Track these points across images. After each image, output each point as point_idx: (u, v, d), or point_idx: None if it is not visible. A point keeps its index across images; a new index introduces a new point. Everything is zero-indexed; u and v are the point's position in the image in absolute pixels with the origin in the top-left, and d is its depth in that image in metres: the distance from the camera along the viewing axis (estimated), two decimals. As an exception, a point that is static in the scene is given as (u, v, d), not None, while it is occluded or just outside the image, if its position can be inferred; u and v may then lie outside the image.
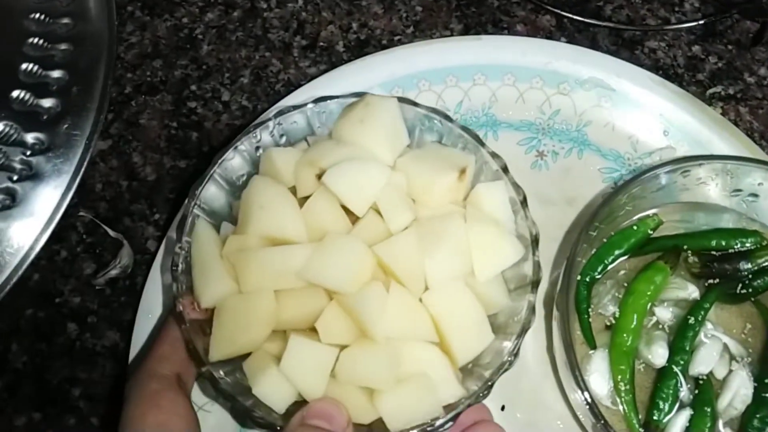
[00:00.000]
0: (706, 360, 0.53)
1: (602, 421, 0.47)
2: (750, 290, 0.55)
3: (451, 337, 0.48)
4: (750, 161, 0.55)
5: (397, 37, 0.74)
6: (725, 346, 0.54)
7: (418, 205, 0.51)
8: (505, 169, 0.53)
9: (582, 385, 0.48)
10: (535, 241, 0.51)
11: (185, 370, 0.48)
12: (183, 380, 0.48)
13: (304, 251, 0.46)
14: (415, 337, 0.48)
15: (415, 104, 0.54)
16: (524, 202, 0.52)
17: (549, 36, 0.74)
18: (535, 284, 0.50)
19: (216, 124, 0.70)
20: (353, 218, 0.50)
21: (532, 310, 0.49)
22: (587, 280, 0.55)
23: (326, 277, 0.46)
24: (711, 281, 0.56)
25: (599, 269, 0.56)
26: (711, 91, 0.72)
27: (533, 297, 0.50)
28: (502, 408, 0.58)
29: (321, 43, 0.73)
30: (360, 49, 0.73)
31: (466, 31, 0.74)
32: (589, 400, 0.48)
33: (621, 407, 0.52)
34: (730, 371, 0.53)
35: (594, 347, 0.54)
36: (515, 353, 0.48)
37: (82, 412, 0.59)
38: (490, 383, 0.48)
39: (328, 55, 0.73)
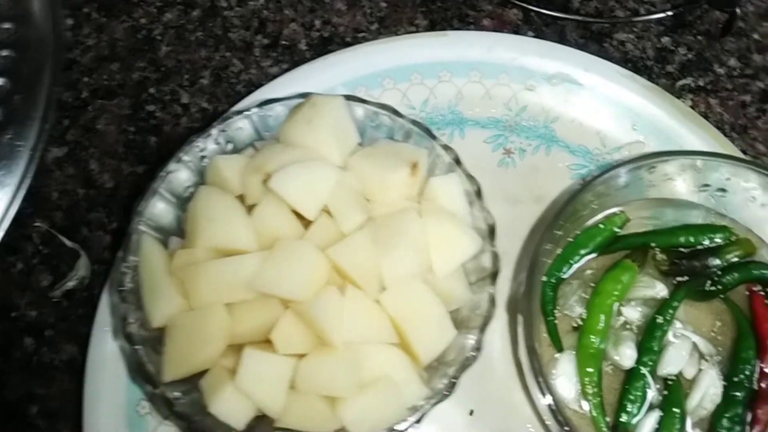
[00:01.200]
0: (675, 360, 0.52)
1: (566, 428, 0.46)
2: (719, 287, 0.54)
3: (412, 336, 0.47)
4: (717, 156, 0.54)
5: (361, 34, 0.72)
6: (694, 345, 0.53)
7: (372, 204, 0.50)
8: (457, 161, 0.52)
9: (544, 390, 0.47)
10: (491, 232, 0.49)
11: None
12: None
13: (253, 261, 0.45)
14: (375, 339, 0.47)
15: (363, 101, 0.53)
16: (479, 194, 0.51)
17: (516, 30, 0.72)
18: (493, 275, 0.49)
19: (175, 127, 0.68)
20: (307, 223, 0.48)
21: (492, 302, 0.48)
22: (553, 280, 0.54)
23: (278, 286, 0.45)
24: (680, 279, 0.55)
25: (565, 269, 0.54)
26: (681, 83, 0.70)
27: (493, 289, 0.49)
28: (471, 413, 0.57)
29: (283, 42, 0.72)
30: (323, 47, 0.71)
31: (431, 27, 0.73)
32: (553, 405, 0.47)
33: (589, 410, 0.51)
34: (700, 370, 0.52)
35: (561, 349, 0.53)
36: (478, 348, 0.47)
37: (40, 429, 0.57)
38: (454, 380, 0.46)
39: (291, 54, 0.71)
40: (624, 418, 0.51)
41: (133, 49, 0.71)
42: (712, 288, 0.54)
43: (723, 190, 0.56)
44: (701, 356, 0.53)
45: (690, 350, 0.52)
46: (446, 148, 0.52)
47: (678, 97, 0.68)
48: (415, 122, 0.53)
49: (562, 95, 0.66)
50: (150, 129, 0.68)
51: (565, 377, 0.52)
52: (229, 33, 0.72)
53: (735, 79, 0.71)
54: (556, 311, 0.54)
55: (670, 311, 0.53)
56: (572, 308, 0.54)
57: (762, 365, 0.52)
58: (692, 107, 0.68)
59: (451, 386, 0.46)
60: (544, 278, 0.53)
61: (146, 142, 0.67)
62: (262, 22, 0.73)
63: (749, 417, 0.51)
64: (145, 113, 0.68)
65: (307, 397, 0.45)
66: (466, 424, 0.57)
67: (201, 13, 0.73)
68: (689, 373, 0.52)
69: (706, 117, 0.67)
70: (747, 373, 0.51)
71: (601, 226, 0.56)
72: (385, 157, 0.51)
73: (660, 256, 0.55)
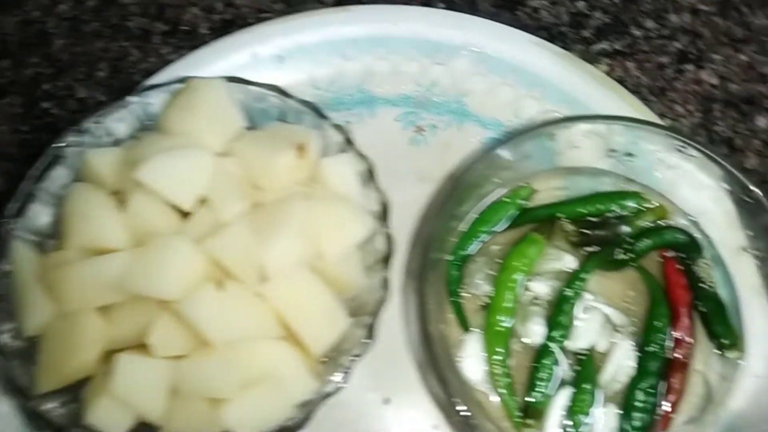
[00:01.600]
0: (586, 334, 0.50)
1: (468, 415, 0.44)
2: (631, 255, 0.52)
3: (299, 328, 0.44)
4: (617, 119, 0.52)
5: (265, 14, 0.69)
6: (607, 318, 0.51)
7: (260, 191, 0.47)
8: (349, 141, 0.49)
9: (445, 375, 0.44)
10: (384, 213, 0.47)
11: None
12: None
13: (121, 259, 0.42)
14: (258, 335, 0.44)
15: (247, 82, 0.50)
16: (371, 173, 0.48)
17: (427, 2, 0.70)
18: (386, 258, 0.46)
19: (72, 124, 0.64)
20: (188, 215, 0.45)
21: (385, 285, 0.46)
22: (457, 259, 0.52)
23: (148, 285, 0.42)
24: (590, 249, 0.53)
25: (470, 247, 0.52)
26: (597, 47, 0.68)
27: (386, 272, 0.46)
28: (387, 401, 0.55)
29: (183, 27, 0.68)
30: (225, 30, 0.68)
31: (339, 4, 0.70)
32: (453, 394, 0.44)
33: (498, 392, 0.49)
34: (613, 343, 0.50)
35: (467, 329, 0.51)
36: (370, 335, 0.45)
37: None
38: (347, 370, 0.44)
39: (191, 40, 0.67)
40: (534, 396, 0.49)
41: (25, 44, 0.67)
42: (624, 257, 0.52)
43: (630, 154, 0.54)
44: (615, 328, 0.51)
45: (602, 323, 0.50)
46: (338, 127, 0.50)
47: (594, 63, 0.65)
48: (304, 102, 0.50)
49: (472, 68, 0.64)
50: (45, 127, 0.64)
51: (472, 359, 0.50)
52: (127, 21, 0.69)
53: (652, 40, 0.69)
54: (462, 290, 0.52)
55: (579, 283, 0.51)
56: (479, 286, 0.52)
57: (676, 334, 0.50)
58: (608, 72, 0.66)
59: (346, 376, 0.44)
60: (449, 257, 0.51)
61: (42, 142, 0.63)
62: (161, 8, 0.69)
63: (664, 388, 0.49)
64: (40, 111, 0.65)
65: (189, 400, 0.43)
66: (381, 413, 0.55)
67: (97, 2, 0.69)
68: (601, 347, 0.50)
69: (622, 81, 0.65)
70: (660, 342, 0.50)
71: (506, 199, 0.53)
72: (271, 141, 0.48)
73: (568, 227, 0.53)
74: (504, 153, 0.50)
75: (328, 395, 0.44)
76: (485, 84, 0.64)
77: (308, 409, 0.43)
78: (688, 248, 0.53)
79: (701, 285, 0.51)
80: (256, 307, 0.44)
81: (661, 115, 0.66)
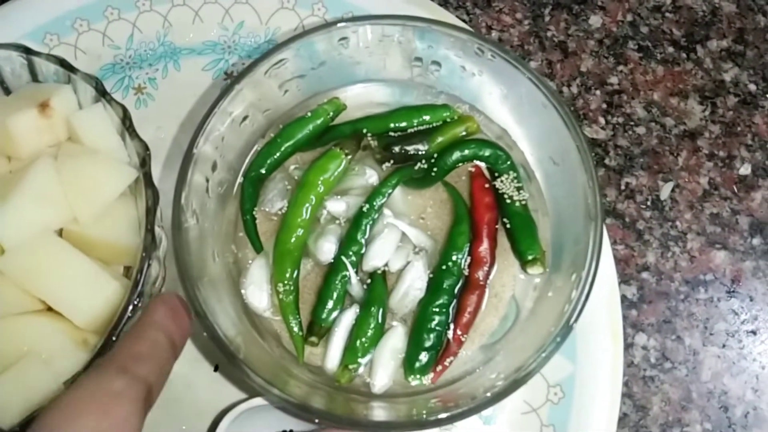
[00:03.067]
0: (380, 253, 0.46)
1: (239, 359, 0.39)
2: (436, 171, 0.48)
3: (53, 299, 0.40)
4: (401, 18, 0.46)
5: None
6: (405, 237, 0.47)
7: (13, 161, 0.42)
8: (102, 92, 0.44)
9: (200, 312, 0.40)
10: (144, 162, 0.43)
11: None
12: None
13: None
14: (10, 312, 0.40)
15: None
16: (126, 121, 0.44)
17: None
18: (151, 211, 0.42)
19: None
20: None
21: (149, 239, 0.41)
22: (254, 176, 0.47)
23: None
24: (397, 166, 0.49)
25: (268, 165, 0.48)
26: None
27: (151, 225, 0.42)
28: (216, 368, 0.51)
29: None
30: None
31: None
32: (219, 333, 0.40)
33: (280, 310, 0.45)
34: (408, 263, 0.46)
35: (260, 250, 0.47)
36: (135, 291, 0.40)
37: None
38: (113, 339, 0.39)
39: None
40: (321, 313, 0.45)
41: None
42: (431, 174, 0.48)
43: (436, 63, 0.50)
44: (414, 248, 0.47)
45: (397, 242, 0.46)
46: (88, 78, 0.45)
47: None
48: (49, 56, 0.45)
49: (276, 2, 0.59)
50: None
51: (254, 286, 0.45)
52: None
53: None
54: (256, 209, 0.48)
55: (379, 198, 0.47)
56: (273, 203, 0.48)
57: (480, 251, 0.46)
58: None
59: (108, 347, 0.39)
60: (241, 178, 0.48)
61: None
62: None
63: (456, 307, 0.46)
64: None
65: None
66: (211, 380, 0.51)
67: None
68: (395, 266, 0.46)
69: (446, -7, 0.61)
70: (456, 260, 0.46)
71: (309, 115, 0.49)
72: (11, 104, 0.44)
73: (373, 142, 0.49)
74: (287, 55, 0.45)
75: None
76: (294, 17, 0.59)
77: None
78: (494, 162, 0.48)
79: (507, 201, 0.47)
80: (1, 284, 0.40)
81: (489, 28, 0.62)
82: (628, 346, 0.54)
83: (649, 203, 0.58)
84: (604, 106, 0.60)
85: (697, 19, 0.63)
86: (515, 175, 0.48)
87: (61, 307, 0.40)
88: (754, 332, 0.55)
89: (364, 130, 0.49)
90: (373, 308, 0.44)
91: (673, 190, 0.58)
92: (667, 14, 0.63)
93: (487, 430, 0.51)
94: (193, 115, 0.58)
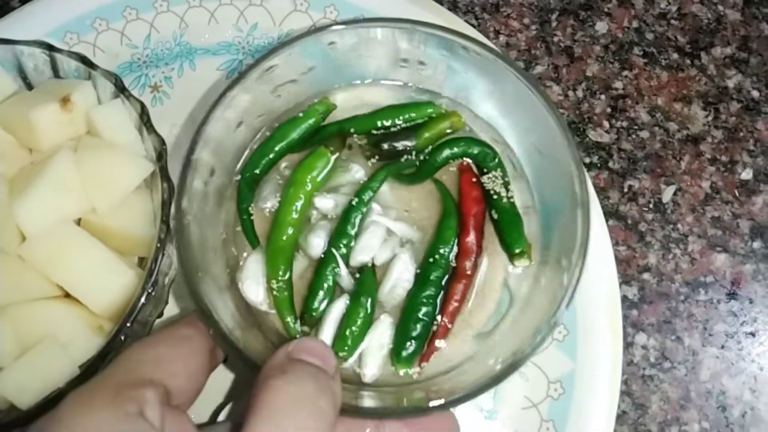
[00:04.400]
0: (366, 248, 0.47)
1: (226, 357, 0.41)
2: (426, 168, 0.50)
3: (71, 286, 0.42)
4: (387, 21, 0.47)
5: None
6: (389, 231, 0.48)
7: (35, 154, 0.44)
8: (121, 88, 0.46)
9: (204, 309, 0.41)
10: (160, 156, 0.44)
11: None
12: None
13: None
14: (25, 298, 0.41)
15: (12, 42, 0.47)
16: (143, 116, 0.45)
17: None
18: (166, 204, 0.43)
19: None
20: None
21: (164, 230, 0.43)
22: (249, 177, 0.49)
23: None
24: (385, 163, 0.50)
25: (262, 165, 0.50)
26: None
27: (166, 216, 0.43)
28: (225, 359, 0.52)
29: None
30: None
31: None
32: (225, 328, 0.41)
33: (275, 304, 0.47)
34: (396, 256, 0.47)
35: (256, 246, 0.48)
36: (149, 282, 0.41)
37: None
38: (127, 323, 0.41)
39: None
40: (312, 304, 0.46)
41: None
42: (421, 170, 0.50)
43: (421, 63, 0.51)
44: (402, 242, 0.48)
45: (383, 237, 0.48)
46: (107, 74, 0.47)
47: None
48: (71, 53, 0.47)
49: (289, 4, 0.61)
50: None
51: (251, 280, 0.47)
52: None
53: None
54: (252, 207, 0.49)
55: (369, 193, 0.48)
56: (267, 201, 0.49)
57: (467, 241, 0.48)
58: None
59: (122, 333, 0.41)
60: (237, 177, 0.49)
61: None
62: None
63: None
64: None
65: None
66: (217, 369, 0.52)
67: None
68: (380, 260, 0.48)
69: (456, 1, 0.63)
70: (443, 253, 0.47)
71: (300, 115, 0.50)
72: (34, 98, 0.45)
73: (361, 141, 0.50)
74: (277, 61, 0.47)
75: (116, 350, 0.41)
76: (308, 19, 0.61)
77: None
78: (483, 160, 0.50)
79: (495, 196, 0.49)
80: (18, 270, 0.42)
81: (497, 33, 0.64)
82: (628, 346, 0.56)
83: (651, 206, 0.59)
84: (609, 110, 0.61)
85: (701, 26, 0.64)
86: (503, 172, 0.50)
87: (79, 293, 0.42)
88: (752, 334, 0.56)
89: (351, 130, 0.51)
90: (362, 298, 0.46)
91: (675, 194, 0.59)
92: (673, 21, 0.64)
93: (489, 424, 0.52)
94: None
